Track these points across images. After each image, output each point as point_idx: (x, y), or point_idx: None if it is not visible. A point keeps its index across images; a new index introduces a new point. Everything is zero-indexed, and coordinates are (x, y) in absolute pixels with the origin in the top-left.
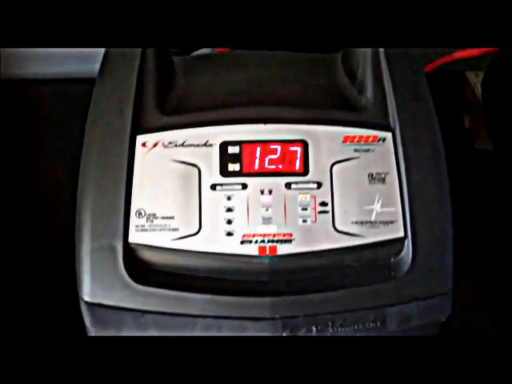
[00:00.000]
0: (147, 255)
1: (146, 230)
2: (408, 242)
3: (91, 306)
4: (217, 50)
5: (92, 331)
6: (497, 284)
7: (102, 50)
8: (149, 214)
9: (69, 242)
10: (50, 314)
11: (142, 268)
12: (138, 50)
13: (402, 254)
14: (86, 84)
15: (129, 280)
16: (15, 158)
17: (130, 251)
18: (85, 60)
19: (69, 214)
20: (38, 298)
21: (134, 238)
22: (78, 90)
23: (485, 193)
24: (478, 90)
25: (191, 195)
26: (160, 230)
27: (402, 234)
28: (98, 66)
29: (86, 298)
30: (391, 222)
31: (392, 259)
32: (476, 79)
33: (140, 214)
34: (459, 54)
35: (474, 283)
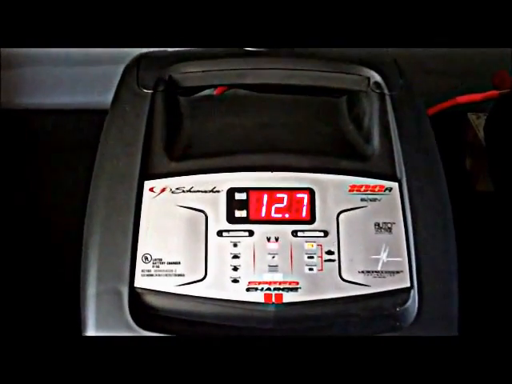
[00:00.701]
0: (153, 300)
1: (151, 275)
2: (414, 293)
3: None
4: (218, 91)
5: None
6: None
7: (111, 82)
8: (155, 259)
9: (74, 284)
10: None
11: (146, 313)
12: (149, 93)
13: (408, 303)
14: (93, 115)
15: (134, 325)
16: (19, 188)
17: (135, 296)
18: (92, 91)
19: (74, 254)
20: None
21: (140, 282)
22: (85, 121)
23: (486, 235)
24: (480, 132)
25: (198, 241)
26: (166, 275)
27: (408, 284)
28: (104, 98)
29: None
30: (397, 272)
31: (398, 309)
32: (478, 121)
33: (146, 258)
34: (462, 98)
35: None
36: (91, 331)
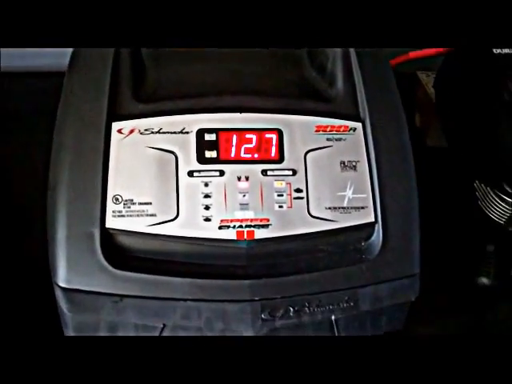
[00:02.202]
0: (125, 240)
1: (123, 216)
2: (378, 227)
3: (68, 291)
4: None
5: (68, 315)
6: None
7: None
8: (126, 200)
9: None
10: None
11: (119, 253)
12: None
13: (373, 238)
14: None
15: (106, 265)
16: None
17: (107, 237)
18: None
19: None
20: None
21: (112, 223)
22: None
23: (436, 188)
24: (430, 89)
25: (168, 181)
26: (137, 215)
27: (372, 219)
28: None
29: (62, 284)
30: (362, 208)
31: (363, 243)
32: (427, 79)
33: (117, 199)
34: (415, 53)
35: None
36: (62, 276)
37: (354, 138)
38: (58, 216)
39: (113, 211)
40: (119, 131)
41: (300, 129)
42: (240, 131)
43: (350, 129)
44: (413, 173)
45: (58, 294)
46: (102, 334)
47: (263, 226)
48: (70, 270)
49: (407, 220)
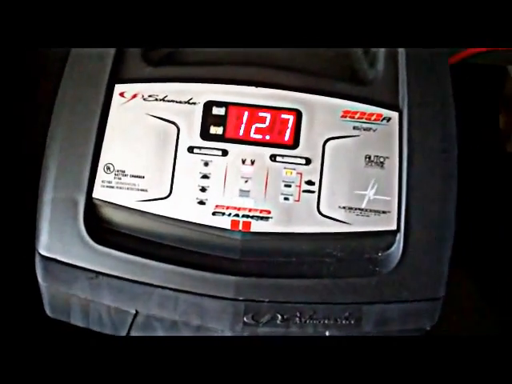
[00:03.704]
0: (110, 214)
1: (112, 187)
2: (400, 237)
3: (45, 259)
4: None
5: (43, 286)
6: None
7: None
8: (117, 171)
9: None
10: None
11: (103, 227)
12: None
13: (392, 248)
14: None
15: (87, 237)
16: None
17: (92, 207)
18: None
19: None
20: None
21: (99, 193)
22: None
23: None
24: None
25: (166, 155)
26: (128, 188)
27: (394, 227)
28: None
29: (42, 251)
30: (384, 212)
31: (379, 253)
32: None
33: (108, 168)
34: None
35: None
36: (43, 240)
37: (387, 129)
38: (46, 179)
39: (102, 181)
40: (121, 94)
41: (323, 112)
42: (253, 108)
43: (384, 118)
44: (453, 180)
45: (37, 260)
46: (74, 311)
47: (262, 218)
48: (51, 238)
49: (436, 233)
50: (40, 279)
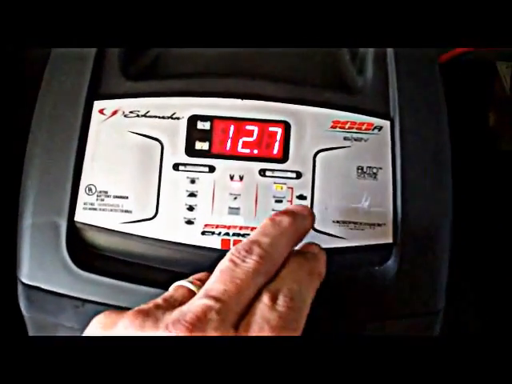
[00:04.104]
0: (94, 237)
1: (95, 209)
2: (396, 250)
3: (28, 288)
4: None
5: (26, 316)
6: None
7: None
8: (100, 191)
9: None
10: None
11: (87, 251)
12: None
13: (388, 262)
14: None
15: (71, 264)
16: None
17: (75, 231)
18: None
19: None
20: None
21: (81, 216)
22: None
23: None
24: (508, 83)
25: (150, 174)
26: (111, 210)
27: (390, 240)
28: None
29: (24, 279)
30: (379, 225)
31: (376, 268)
32: (507, 71)
33: (90, 190)
34: None
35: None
36: (25, 268)
37: (378, 139)
38: (25, 202)
39: (84, 203)
40: (101, 111)
41: (312, 123)
42: (239, 121)
43: (375, 127)
44: (448, 189)
45: (19, 289)
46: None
47: None
48: (33, 265)
49: (434, 244)
50: (23, 309)
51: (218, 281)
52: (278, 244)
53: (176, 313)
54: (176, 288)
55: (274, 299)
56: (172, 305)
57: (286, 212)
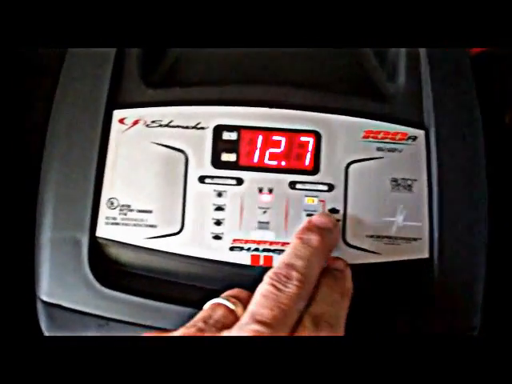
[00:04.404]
0: (117, 253)
1: (117, 224)
2: (433, 265)
3: (48, 306)
4: None
5: (47, 335)
6: None
7: None
8: (122, 205)
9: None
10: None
11: (109, 268)
12: None
13: (425, 278)
14: None
15: (93, 280)
16: None
17: (97, 247)
18: None
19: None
20: None
21: (103, 231)
22: None
23: None
24: None
25: (175, 187)
26: (134, 225)
27: (426, 255)
28: None
29: (43, 297)
30: (414, 240)
31: (411, 283)
32: None
33: (112, 203)
34: None
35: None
36: (44, 285)
37: (413, 149)
38: (43, 217)
39: (106, 217)
40: (121, 121)
41: (344, 133)
42: (267, 131)
43: (409, 137)
44: (484, 201)
45: (39, 307)
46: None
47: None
48: (53, 282)
49: (471, 259)
50: (44, 328)
51: (263, 306)
52: (311, 266)
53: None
54: (213, 307)
55: (315, 324)
56: (214, 326)
57: (311, 228)
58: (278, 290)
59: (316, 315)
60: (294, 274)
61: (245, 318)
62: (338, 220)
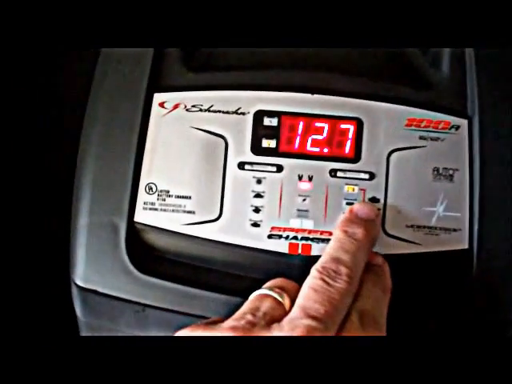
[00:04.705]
0: (155, 239)
1: (156, 209)
2: (472, 256)
3: (84, 291)
4: None
5: (82, 320)
6: None
7: None
8: (161, 191)
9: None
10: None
11: (147, 254)
12: None
13: (464, 269)
14: None
15: (130, 266)
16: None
17: (134, 232)
18: None
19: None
20: (25, 279)
21: (141, 217)
22: None
23: None
24: None
25: (214, 173)
26: (173, 210)
27: (466, 246)
28: None
29: (79, 282)
30: (454, 230)
31: (451, 274)
32: None
33: (150, 189)
34: None
35: None
36: (80, 269)
37: (456, 138)
38: (80, 201)
39: (144, 202)
40: (161, 105)
41: (386, 120)
42: (308, 117)
43: (452, 126)
44: None
45: (74, 292)
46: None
47: (324, 241)
48: (89, 267)
49: (511, 252)
50: (79, 313)
51: (314, 300)
52: (358, 260)
53: (277, 333)
54: (259, 298)
55: (362, 319)
56: (263, 319)
57: (355, 220)
58: (328, 284)
59: (362, 311)
60: (343, 268)
61: (295, 311)
62: (379, 209)
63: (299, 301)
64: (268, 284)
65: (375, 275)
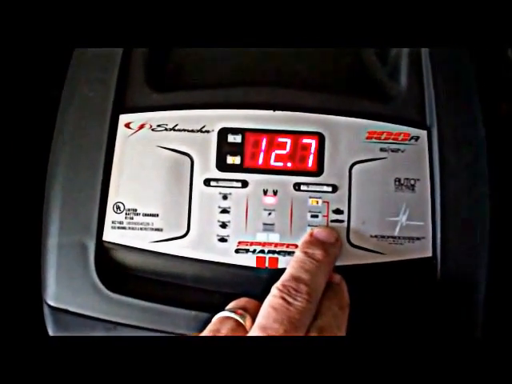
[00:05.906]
0: (124, 257)
1: (124, 228)
2: (436, 264)
3: (55, 310)
4: None
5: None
6: None
7: None
8: (128, 209)
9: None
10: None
11: (116, 272)
12: None
13: (428, 277)
14: None
15: (100, 285)
16: None
17: (103, 251)
18: None
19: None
20: None
21: (110, 236)
22: None
23: None
24: None
25: (180, 190)
26: (141, 228)
27: (429, 254)
28: None
29: (50, 302)
30: (418, 239)
31: (415, 282)
32: None
33: (118, 208)
34: None
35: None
36: (51, 289)
37: (416, 149)
38: (50, 221)
39: (112, 221)
40: (127, 125)
41: (347, 134)
42: (271, 133)
43: (412, 137)
44: (487, 199)
45: (46, 312)
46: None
47: (290, 254)
48: (59, 287)
49: (473, 259)
50: (51, 333)
51: (274, 319)
52: (318, 280)
53: None
54: (221, 320)
55: None
56: None
57: (314, 242)
58: (288, 303)
59: (321, 328)
60: (303, 287)
61: (255, 331)
62: (342, 221)
63: (259, 320)
64: (230, 305)
65: (333, 293)
